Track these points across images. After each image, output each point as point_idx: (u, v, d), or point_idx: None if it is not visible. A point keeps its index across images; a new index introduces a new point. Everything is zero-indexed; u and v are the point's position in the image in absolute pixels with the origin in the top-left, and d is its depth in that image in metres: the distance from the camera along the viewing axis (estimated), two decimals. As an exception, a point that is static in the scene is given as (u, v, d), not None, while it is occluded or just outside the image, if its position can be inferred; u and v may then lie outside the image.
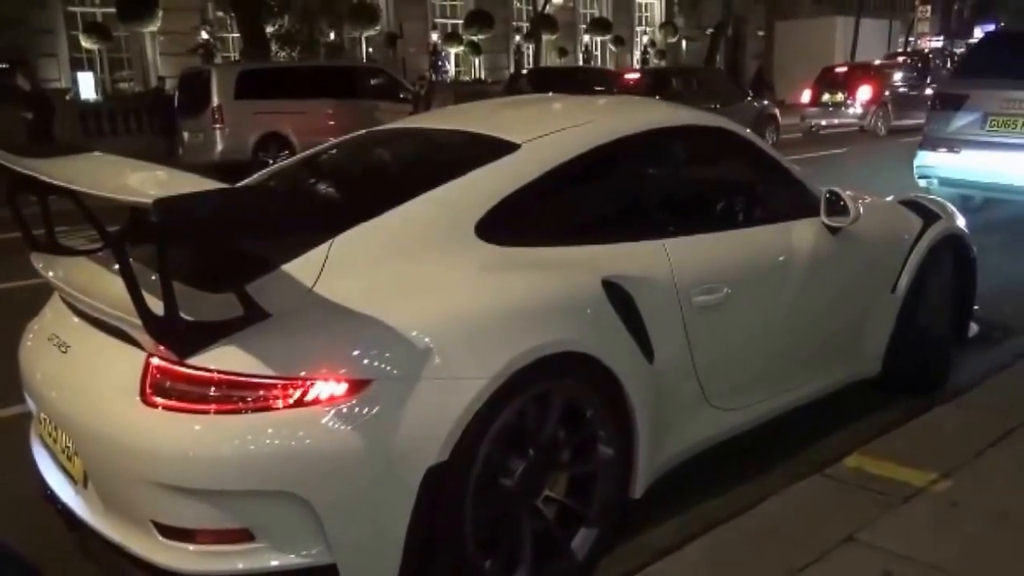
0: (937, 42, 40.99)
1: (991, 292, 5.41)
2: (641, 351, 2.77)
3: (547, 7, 29.19)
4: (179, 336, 2.10)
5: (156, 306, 2.08)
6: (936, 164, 8.50)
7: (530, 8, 29.78)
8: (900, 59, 22.99)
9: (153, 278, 2.11)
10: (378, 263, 2.44)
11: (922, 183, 8.63)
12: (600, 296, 2.67)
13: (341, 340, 2.25)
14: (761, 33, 35.77)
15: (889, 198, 4.27)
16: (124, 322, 2.19)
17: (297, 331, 2.23)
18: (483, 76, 30.24)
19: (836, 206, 3.53)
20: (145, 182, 2.36)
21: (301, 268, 2.35)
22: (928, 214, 4.11)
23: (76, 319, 2.56)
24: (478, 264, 2.54)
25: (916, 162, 8.71)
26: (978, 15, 45.04)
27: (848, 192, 3.62)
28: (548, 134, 3.02)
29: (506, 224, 2.66)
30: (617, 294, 2.71)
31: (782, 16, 34.26)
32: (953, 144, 8.31)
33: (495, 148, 2.91)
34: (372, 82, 16.13)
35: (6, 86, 14.54)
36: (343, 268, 2.37)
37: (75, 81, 21.51)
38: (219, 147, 13.85)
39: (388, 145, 3.63)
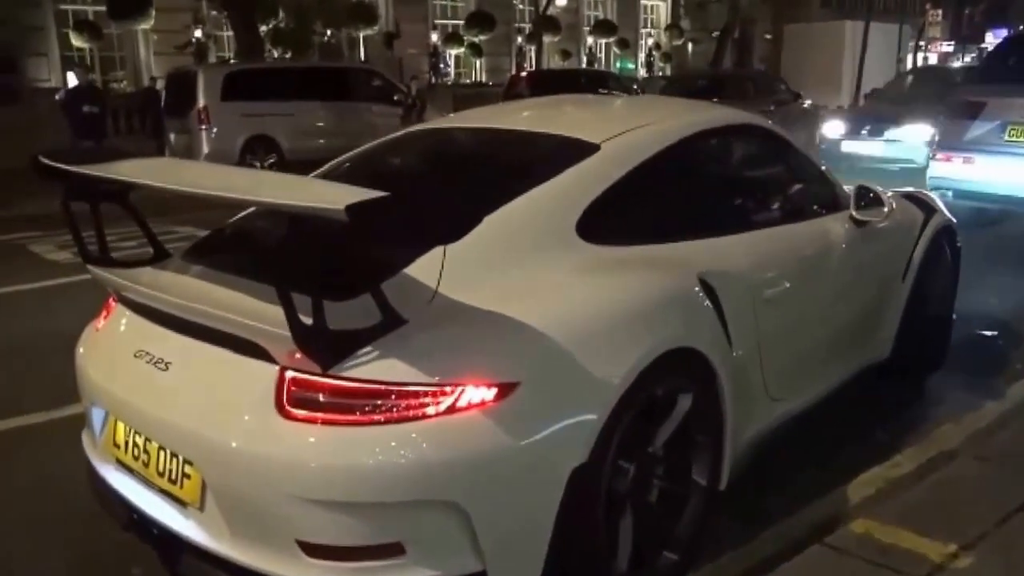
0: (948, 47, 40.54)
1: (1013, 318, 4.97)
2: (727, 345, 2.83)
3: (549, 8, 28.76)
4: (326, 346, 2.07)
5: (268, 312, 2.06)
6: (950, 175, 8.04)
7: (532, 9, 29.30)
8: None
9: (254, 287, 2.23)
10: (492, 265, 2.46)
11: (935, 194, 8.15)
12: (699, 292, 2.75)
13: (485, 343, 2.25)
14: (768, 36, 35.27)
15: (889, 192, 4.23)
16: (257, 333, 2.14)
17: (438, 336, 2.22)
18: (484, 78, 29.80)
19: (868, 200, 3.75)
20: (287, 187, 2.36)
21: (421, 272, 2.34)
22: (927, 207, 4.40)
23: (169, 333, 2.46)
24: (586, 264, 2.61)
25: (929, 172, 8.26)
26: (989, 19, 44.49)
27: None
28: (623, 133, 3.08)
29: (601, 223, 2.72)
30: (708, 290, 2.78)
31: (790, 19, 33.73)
32: (969, 154, 7.85)
33: (576, 148, 2.95)
34: (365, 84, 15.69)
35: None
36: (461, 271, 2.37)
37: (66, 81, 21.06)
38: (205, 149, 13.42)
39: (455, 146, 3.58)
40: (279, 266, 2.09)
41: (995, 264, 6.78)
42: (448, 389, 2.12)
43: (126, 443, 2.52)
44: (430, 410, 2.10)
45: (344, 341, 2.10)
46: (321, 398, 2.13)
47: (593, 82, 19.98)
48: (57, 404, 4.10)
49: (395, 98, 15.63)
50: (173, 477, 2.35)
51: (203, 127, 13.42)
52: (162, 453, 2.38)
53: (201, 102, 13.35)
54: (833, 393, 3.67)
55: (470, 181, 3.02)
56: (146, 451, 2.44)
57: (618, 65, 34.49)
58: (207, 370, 2.35)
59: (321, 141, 13.39)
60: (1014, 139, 7.53)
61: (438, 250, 2.35)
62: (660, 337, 2.52)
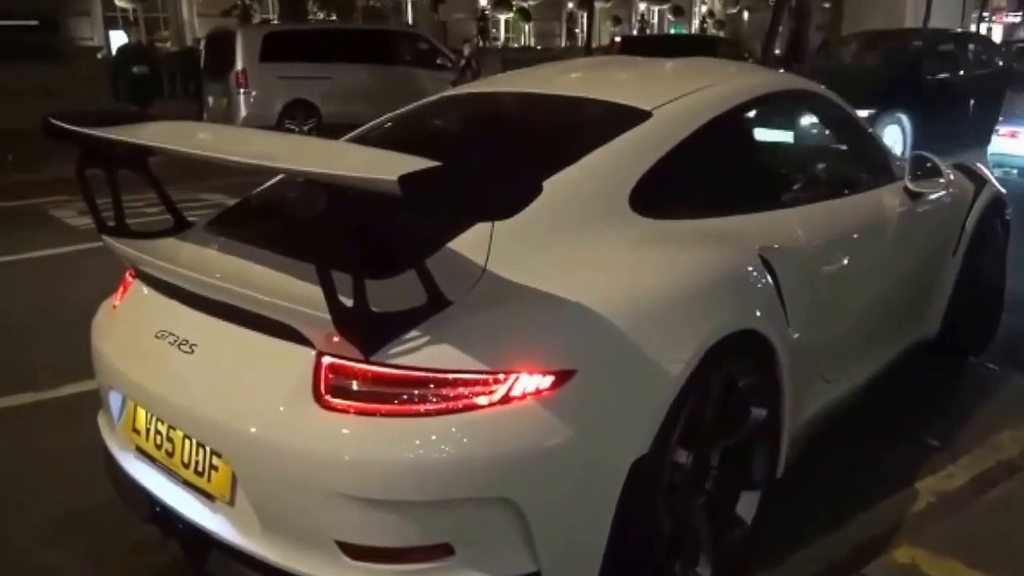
0: (1015, 17, 38.90)
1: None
2: (786, 325, 2.67)
3: (602, -27, 28.05)
4: (368, 330, 1.89)
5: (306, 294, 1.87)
6: (1015, 152, 7.52)
7: (584, -27, 28.59)
8: None
9: (287, 263, 2.07)
10: (542, 241, 2.25)
11: (998, 172, 7.65)
12: (760, 270, 2.59)
13: (540, 327, 2.07)
14: (827, 5, 34.08)
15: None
16: (292, 315, 1.94)
17: (488, 319, 2.02)
18: (532, 43, 29.20)
19: (925, 170, 3.60)
20: (327, 154, 2.18)
21: (467, 248, 2.14)
22: (977, 178, 4.21)
23: (193, 312, 2.25)
24: (641, 240, 2.42)
25: (991, 149, 7.78)
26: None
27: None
28: (675, 99, 2.87)
29: (655, 196, 2.52)
30: (767, 267, 2.62)
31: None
32: None
33: (626, 116, 2.74)
34: (410, 48, 15.33)
35: (40, 42, 14.32)
36: (509, 247, 2.16)
37: (108, 40, 21.01)
38: (243, 112, 13.22)
39: (495, 113, 3.32)
40: (316, 242, 1.87)
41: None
42: (501, 377, 1.93)
43: (147, 430, 2.33)
44: (482, 400, 1.92)
45: (387, 325, 1.92)
46: (363, 387, 1.95)
47: (698, 49, 18.17)
48: (66, 380, 3.96)
49: (439, 62, 15.28)
50: (200, 469, 2.17)
51: (241, 90, 13.23)
52: (188, 442, 2.19)
53: (239, 64, 13.16)
54: (882, 374, 3.48)
55: (513, 151, 2.77)
56: (170, 439, 2.25)
57: (672, 30, 33.65)
58: (236, 354, 2.15)
59: (362, 106, 13.06)
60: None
61: (485, 224, 2.15)
62: (722, 318, 2.36)
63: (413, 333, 1.94)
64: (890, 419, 3.68)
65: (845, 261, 3.10)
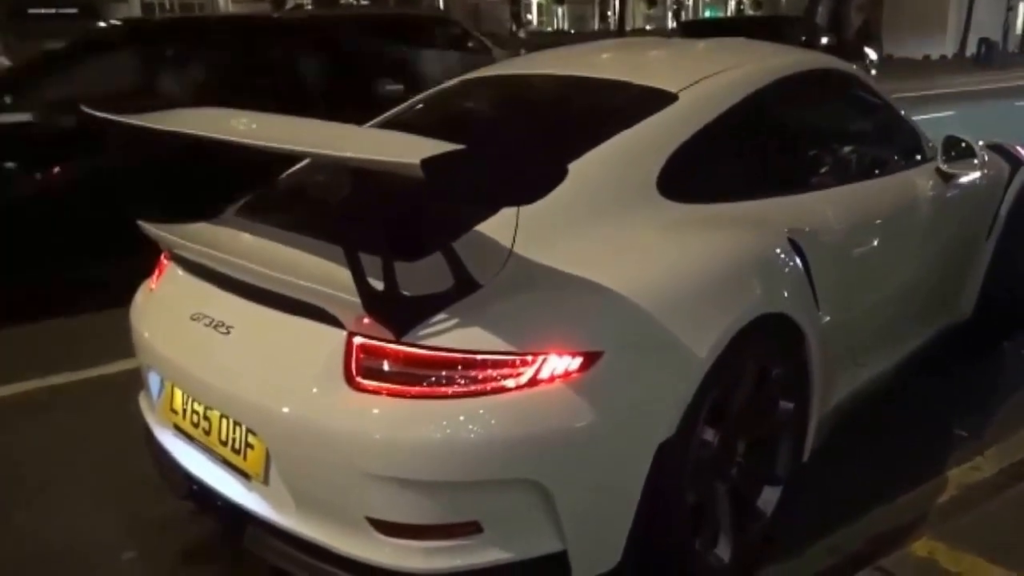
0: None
1: None
2: (815, 308, 2.65)
3: (637, -46, 27.73)
4: (398, 312, 1.91)
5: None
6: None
7: (618, -45, 28.30)
8: None
9: (317, 246, 2.09)
10: (568, 224, 2.26)
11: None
12: (789, 253, 2.56)
13: (567, 310, 2.07)
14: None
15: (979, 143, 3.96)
16: (323, 297, 1.97)
17: (516, 302, 2.03)
18: (565, 27, 29.01)
19: (958, 151, 3.55)
20: (353, 138, 2.21)
21: (493, 231, 2.14)
22: (1013, 158, 4.09)
23: (227, 294, 2.30)
24: (668, 223, 2.41)
25: None
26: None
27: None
28: (700, 81, 2.84)
29: (682, 179, 2.50)
30: (796, 250, 2.59)
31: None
32: None
33: (652, 98, 2.73)
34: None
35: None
36: (536, 230, 2.17)
37: (148, 27, 21.25)
38: (275, 98, 13.30)
39: (518, 96, 3.26)
40: (345, 224, 1.89)
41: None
42: (529, 359, 1.94)
43: (184, 409, 2.39)
44: (510, 382, 1.93)
45: (417, 307, 1.94)
46: (393, 368, 1.96)
47: (762, 31, 16.43)
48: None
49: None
50: (236, 447, 2.22)
51: (273, 76, 13.31)
52: (224, 421, 2.24)
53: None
54: (915, 357, 3.46)
55: (537, 133, 2.76)
56: (206, 419, 2.30)
57: (707, 13, 33.22)
58: (270, 335, 2.18)
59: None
60: None
61: (511, 207, 2.16)
62: (750, 302, 2.35)
63: (443, 315, 1.96)
64: (919, 408, 3.59)
65: (875, 244, 3.07)
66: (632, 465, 2.09)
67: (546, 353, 1.94)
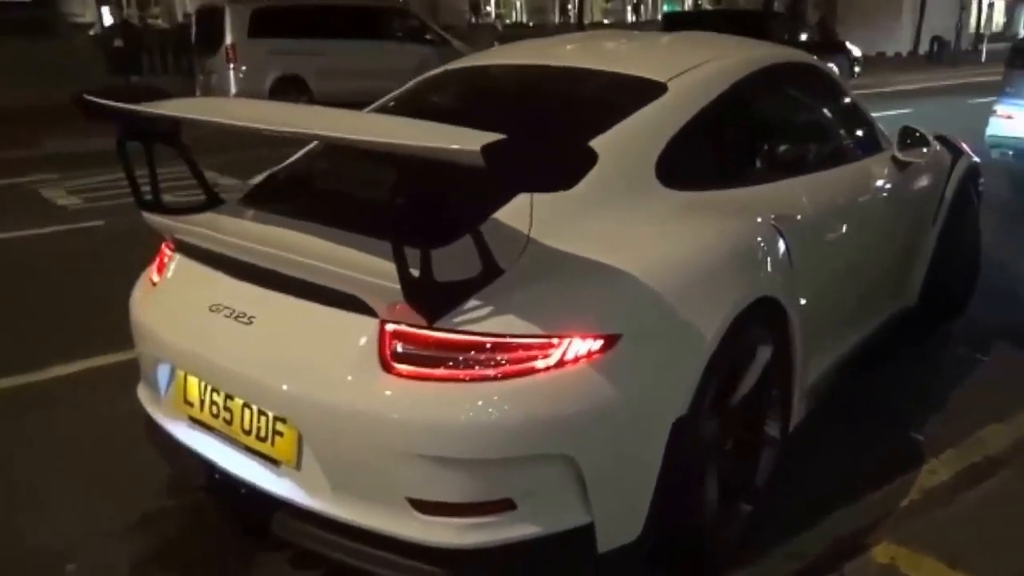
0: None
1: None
2: (796, 292, 2.75)
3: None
4: (434, 299, 1.97)
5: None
6: (1012, 133, 7.39)
7: (578, -53, 28.25)
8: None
9: (343, 235, 2.10)
10: (577, 211, 2.32)
11: (994, 154, 7.53)
12: (776, 238, 2.66)
13: (587, 294, 2.16)
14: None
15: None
16: (359, 284, 2.02)
17: (540, 287, 2.11)
18: (525, 19, 28.94)
19: (913, 139, 3.71)
20: (395, 128, 2.24)
21: (510, 218, 2.20)
22: (955, 149, 4.29)
23: (246, 284, 2.32)
24: (669, 210, 2.51)
25: (988, 131, 7.60)
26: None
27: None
28: (687, 71, 2.92)
29: (676, 167, 2.58)
30: (780, 235, 2.69)
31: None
32: None
33: (643, 87, 2.80)
34: (398, 23, 15.18)
35: (32, 19, 14.26)
36: (548, 217, 2.25)
37: (100, 16, 20.75)
38: (233, 90, 13.17)
39: (509, 86, 3.27)
40: (386, 214, 1.92)
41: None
42: (556, 341, 2.03)
43: (201, 401, 2.41)
44: (540, 363, 2.03)
45: (450, 293, 2.00)
46: (427, 352, 2.04)
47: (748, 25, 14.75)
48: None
49: (428, 38, 15.14)
50: (262, 435, 2.26)
51: (231, 65, 13.20)
52: (247, 411, 2.28)
53: (228, 39, 13.19)
54: (869, 343, 3.59)
55: (536, 123, 2.75)
56: (227, 409, 2.33)
57: (665, 7, 33.37)
58: (295, 324, 2.22)
59: (353, 82, 12.90)
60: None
61: (525, 195, 2.21)
62: (749, 286, 2.47)
63: (473, 301, 2.02)
64: (872, 412, 3.58)
65: (843, 229, 3.18)
66: (651, 440, 2.20)
67: (571, 336, 2.04)
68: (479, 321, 2.02)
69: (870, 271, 3.55)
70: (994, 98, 7.94)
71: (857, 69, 19.41)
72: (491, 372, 2.01)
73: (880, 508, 2.89)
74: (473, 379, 2.01)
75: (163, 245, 2.70)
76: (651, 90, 2.77)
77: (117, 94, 2.38)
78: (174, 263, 2.64)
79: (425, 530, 2.06)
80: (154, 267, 2.72)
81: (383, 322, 2.06)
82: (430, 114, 3.00)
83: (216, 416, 2.36)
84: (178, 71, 17.12)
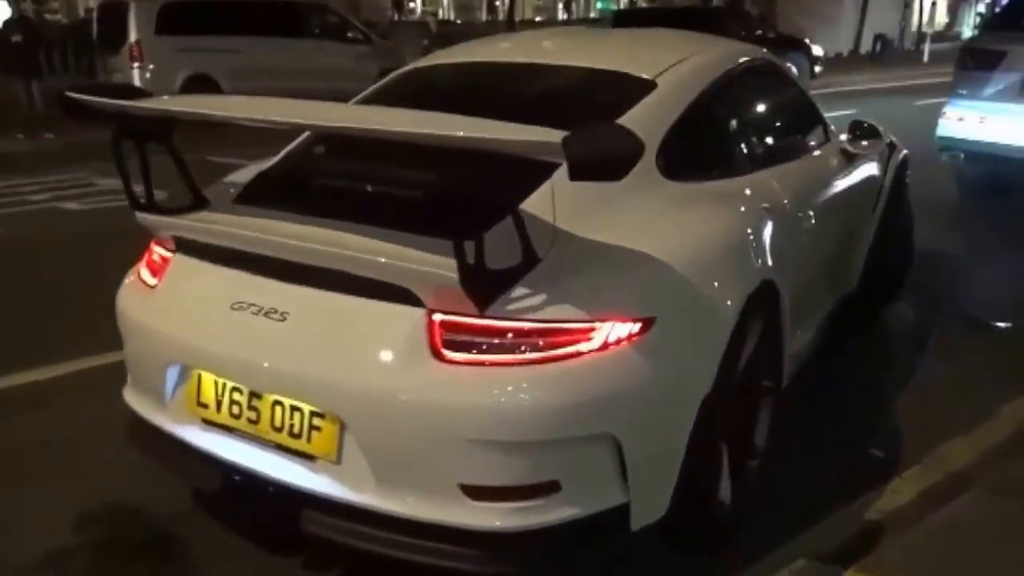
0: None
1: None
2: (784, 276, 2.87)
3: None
4: (486, 287, 2.05)
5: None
6: (963, 135, 7.13)
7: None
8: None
9: (374, 228, 2.14)
10: (594, 201, 2.40)
11: (945, 157, 7.34)
12: (768, 224, 2.81)
13: (623, 279, 2.28)
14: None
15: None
16: (410, 275, 2.07)
17: (579, 274, 2.21)
18: (451, 16, 28.53)
19: (863, 131, 3.96)
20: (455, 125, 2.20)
21: (536, 208, 2.24)
22: (889, 140, 4.48)
23: (270, 281, 2.34)
24: (674, 201, 2.63)
25: (938, 131, 7.33)
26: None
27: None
28: (671, 67, 3.05)
29: (674, 159, 2.71)
30: (771, 220, 2.85)
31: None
32: (985, 112, 6.91)
33: (632, 84, 2.93)
34: (317, 20, 14.65)
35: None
36: (569, 207, 2.32)
37: (-4, 11, 19.71)
38: (139, 89, 12.43)
39: (504, 83, 3.26)
40: (414, 207, 2.07)
41: (1012, 243, 6.07)
42: (597, 326, 2.13)
43: (218, 402, 2.39)
44: (584, 347, 2.11)
45: (497, 281, 2.08)
46: (477, 340, 2.11)
47: (702, 23, 14.13)
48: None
49: (349, 35, 14.65)
50: (296, 431, 2.27)
51: (136, 64, 12.54)
52: (278, 407, 2.29)
53: (133, 36, 12.54)
54: (823, 327, 3.68)
55: (539, 122, 2.51)
56: (252, 407, 2.33)
57: (599, 5, 33.38)
58: (334, 317, 2.25)
59: (268, 81, 12.30)
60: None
61: (546, 185, 2.20)
62: (757, 269, 2.64)
63: (516, 289, 2.11)
64: (830, 428, 3.43)
65: (810, 215, 3.36)
66: (683, 419, 2.31)
67: (612, 320, 2.14)
68: (525, 308, 2.10)
69: (827, 254, 3.69)
70: (941, 100, 7.73)
71: (818, 68, 19.21)
72: (539, 356, 2.09)
73: (842, 533, 2.74)
74: (522, 364, 2.09)
75: (152, 245, 2.67)
76: (641, 86, 2.89)
77: (103, 92, 2.36)
78: (176, 263, 2.60)
79: (475, 516, 2.12)
80: (144, 268, 2.68)
81: (430, 311, 2.11)
82: (460, 107, 3.01)
83: (238, 416, 2.35)
84: (79, 71, 16.27)
